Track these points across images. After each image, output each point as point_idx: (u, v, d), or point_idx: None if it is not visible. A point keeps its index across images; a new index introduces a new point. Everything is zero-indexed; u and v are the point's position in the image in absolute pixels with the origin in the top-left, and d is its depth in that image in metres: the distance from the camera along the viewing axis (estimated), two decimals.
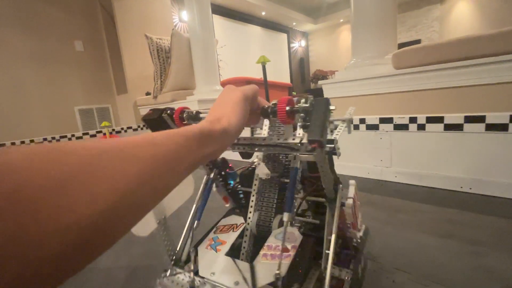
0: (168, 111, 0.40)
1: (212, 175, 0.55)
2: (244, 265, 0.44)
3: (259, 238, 0.51)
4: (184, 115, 0.39)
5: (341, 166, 1.47)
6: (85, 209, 0.13)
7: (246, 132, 0.37)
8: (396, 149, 1.29)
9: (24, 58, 2.89)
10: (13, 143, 2.74)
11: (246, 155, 0.45)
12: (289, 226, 0.48)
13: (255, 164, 0.55)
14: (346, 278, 0.50)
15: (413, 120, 1.21)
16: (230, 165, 0.59)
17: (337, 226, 0.41)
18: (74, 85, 3.29)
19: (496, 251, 0.72)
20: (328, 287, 0.36)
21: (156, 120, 0.40)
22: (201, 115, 0.38)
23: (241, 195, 0.61)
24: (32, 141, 2.83)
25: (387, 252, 0.75)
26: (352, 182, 0.53)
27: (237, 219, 0.57)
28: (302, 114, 0.29)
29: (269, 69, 2.65)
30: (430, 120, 1.17)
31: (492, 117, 1.02)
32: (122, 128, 3.38)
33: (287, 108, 0.30)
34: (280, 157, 0.54)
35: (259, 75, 2.83)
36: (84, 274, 0.79)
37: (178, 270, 0.49)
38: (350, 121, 0.40)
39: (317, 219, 0.55)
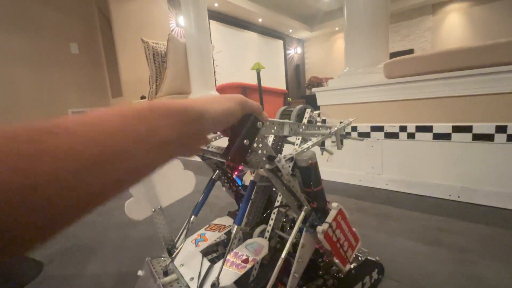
0: None
1: (214, 176, 0.56)
2: (207, 265, 0.47)
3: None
4: None
5: (333, 173, 1.49)
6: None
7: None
8: (387, 156, 1.31)
9: (18, 59, 2.87)
10: None
11: None
12: (262, 239, 0.49)
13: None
14: None
15: (403, 128, 1.24)
16: (240, 167, 0.58)
17: (308, 251, 0.42)
18: (69, 88, 3.26)
19: (484, 259, 0.73)
20: None
21: None
22: None
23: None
24: None
25: None
26: (334, 205, 0.46)
27: (228, 221, 0.59)
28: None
29: (265, 75, 2.68)
30: (419, 129, 1.19)
31: (479, 128, 1.05)
32: None
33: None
34: None
35: (255, 81, 2.86)
36: (71, 280, 0.77)
37: (166, 256, 0.55)
38: (339, 134, 0.39)
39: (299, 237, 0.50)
